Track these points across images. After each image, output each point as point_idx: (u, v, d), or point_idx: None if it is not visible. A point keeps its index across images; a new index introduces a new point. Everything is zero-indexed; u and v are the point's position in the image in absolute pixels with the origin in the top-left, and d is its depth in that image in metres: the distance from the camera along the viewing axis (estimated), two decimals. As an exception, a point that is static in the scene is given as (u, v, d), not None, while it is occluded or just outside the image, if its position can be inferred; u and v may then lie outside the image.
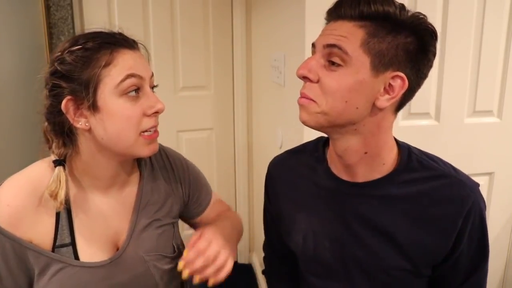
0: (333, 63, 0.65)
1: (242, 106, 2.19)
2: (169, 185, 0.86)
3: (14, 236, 0.68)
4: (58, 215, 0.72)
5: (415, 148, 0.77)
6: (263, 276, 1.04)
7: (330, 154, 0.78)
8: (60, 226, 0.72)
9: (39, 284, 0.71)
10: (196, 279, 0.70)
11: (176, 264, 0.72)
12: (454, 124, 1.37)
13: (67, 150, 0.73)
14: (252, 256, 2.39)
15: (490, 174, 1.46)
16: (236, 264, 0.82)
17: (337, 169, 0.76)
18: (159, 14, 2.02)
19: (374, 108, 0.67)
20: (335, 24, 0.67)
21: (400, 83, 0.65)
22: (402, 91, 0.65)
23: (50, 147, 0.74)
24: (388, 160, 0.73)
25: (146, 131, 0.71)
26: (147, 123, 0.70)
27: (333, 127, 0.69)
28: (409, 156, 0.74)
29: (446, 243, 0.71)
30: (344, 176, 0.75)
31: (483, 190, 1.48)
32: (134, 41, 0.73)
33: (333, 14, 0.68)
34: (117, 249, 0.77)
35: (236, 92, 2.19)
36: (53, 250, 0.72)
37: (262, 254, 1.02)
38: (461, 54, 1.31)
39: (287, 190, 0.84)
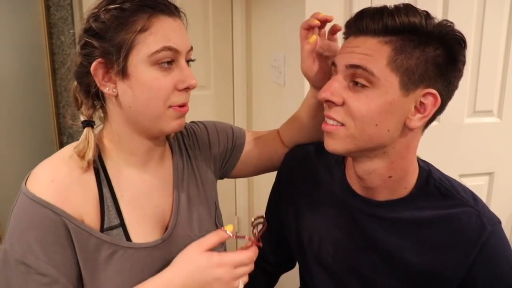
0: (356, 83, 0.60)
1: (242, 106, 2.18)
2: (200, 159, 0.82)
3: (66, 213, 0.61)
4: (101, 195, 0.66)
5: (437, 171, 0.73)
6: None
7: (349, 164, 0.74)
8: (106, 207, 0.66)
9: (90, 272, 0.64)
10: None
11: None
12: (454, 124, 1.37)
13: (96, 112, 0.69)
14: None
15: (490, 174, 1.46)
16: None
17: (353, 180, 0.73)
18: (159, 14, 2.02)
19: (405, 129, 0.63)
20: (356, 41, 0.61)
21: (432, 101, 0.61)
22: (435, 109, 0.61)
23: (79, 108, 0.69)
24: (411, 184, 0.69)
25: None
26: (177, 98, 0.66)
27: (361, 151, 0.64)
28: (427, 180, 0.70)
29: (454, 275, 0.66)
30: (359, 189, 0.72)
31: (483, 190, 1.48)
32: (176, 8, 0.67)
33: (353, 28, 0.63)
34: (166, 228, 0.72)
35: (236, 92, 2.19)
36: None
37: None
38: (461, 54, 1.31)
39: (302, 185, 0.81)
